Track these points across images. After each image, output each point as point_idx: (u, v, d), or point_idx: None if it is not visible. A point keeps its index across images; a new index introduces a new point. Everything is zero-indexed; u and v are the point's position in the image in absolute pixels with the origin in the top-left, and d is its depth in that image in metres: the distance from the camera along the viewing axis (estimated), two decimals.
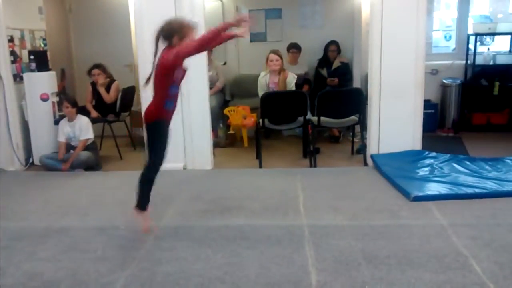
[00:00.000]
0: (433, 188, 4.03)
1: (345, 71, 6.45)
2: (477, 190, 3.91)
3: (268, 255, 2.95)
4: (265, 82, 5.44)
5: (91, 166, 5.22)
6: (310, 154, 5.18)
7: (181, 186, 4.49)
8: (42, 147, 5.38)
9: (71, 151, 5.16)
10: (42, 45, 5.97)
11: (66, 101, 5.21)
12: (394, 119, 4.84)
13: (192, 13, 4.83)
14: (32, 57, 5.48)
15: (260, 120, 5.18)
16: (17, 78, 5.41)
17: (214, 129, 5.81)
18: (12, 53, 5.35)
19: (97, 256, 3.04)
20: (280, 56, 5.43)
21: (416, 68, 4.80)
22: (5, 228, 3.56)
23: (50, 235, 3.39)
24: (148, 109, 3.31)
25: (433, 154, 4.81)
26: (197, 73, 4.89)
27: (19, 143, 5.40)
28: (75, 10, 7.02)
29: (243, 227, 3.41)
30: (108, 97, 5.86)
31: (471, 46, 6.49)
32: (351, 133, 5.69)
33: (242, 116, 5.90)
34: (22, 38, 5.57)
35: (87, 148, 5.20)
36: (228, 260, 2.91)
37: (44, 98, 5.37)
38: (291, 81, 5.42)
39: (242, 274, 2.73)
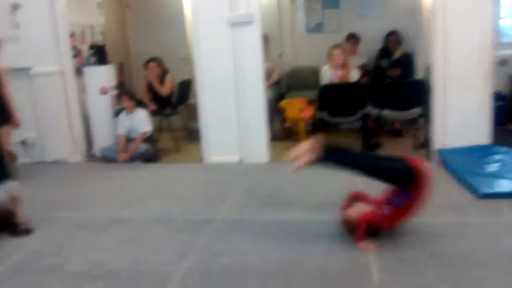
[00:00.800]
0: (504, 185, 3.77)
1: (407, 61, 6.18)
2: None
3: (327, 250, 2.87)
4: (328, 76, 5.29)
5: (149, 158, 5.31)
6: (370, 148, 5.00)
7: (237, 179, 4.46)
8: (102, 139, 5.52)
9: (130, 143, 5.26)
10: (101, 39, 6.12)
11: (125, 94, 5.33)
12: (460, 112, 4.59)
13: (247, 4, 4.79)
14: (92, 51, 5.63)
15: (318, 113, 5.05)
16: (78, 72, 5.57)
17: (270, 122, 5.74)
18: (73, 48, 5.51)
19: (156, 246, 3.06)
20: (344, 50, 5.27)
21: (483, 57, 4.53)
22: (70, 217, 3.67)
23: (110, 225, 3.46)
24: None
25: (504, 148, 4.51)
26: (253, 65, 4.85)
27: (80, 135, 5.57)
28: (132, 5, 7.18)
29: (300, 222, 3.35)
30: (163, 90, 5.93)
31: None
32: (414, 127, 5.44)
33: (298, 108, 5.79)
34: (82, 33, 5.73)
35: (145, 140, 5.29)
36: (286, 254, 2.85)
37: (104, 92, 5.50)
38: (355, 75, 5.25)
39: (300, 268, 2.68)
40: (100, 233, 3.32)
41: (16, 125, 4.50)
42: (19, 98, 4.93)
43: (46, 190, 4.39)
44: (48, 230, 3.41)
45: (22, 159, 5.50)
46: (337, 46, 5.28)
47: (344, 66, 5.23)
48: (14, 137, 4.74)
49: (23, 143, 5.49)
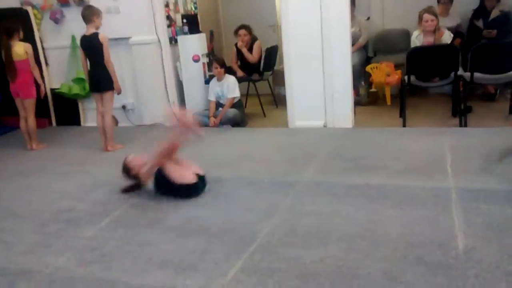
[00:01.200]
0: None
1: (505, 21, 5.75)
2: None
3: (411, 216, 2.89)
4: (419, 42, 5.09)
5: (238, 122, 5.55)
6: (461, 112, 4.82)
7: (322, 143, 4.55)
8: (194, 104, 5.83)
9: (220, 109, 5.52)
10: (193, 8, 6.37)
11: (215, 61, 5.55)
12: None
13: None
14: (184, 20, 5.89)
15: (406, 77, 4.94)
16: (172, 41, 5.89)
17: (356, 87, 5.70)
18: (168, 17, 5.82)
19: (245, 206, 3.27)
20: (436, 15, 5.01)
21: None
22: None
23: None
24: None
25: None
26: (339, 29, 4.83)
27: (174, 100, 5.93)
28: None
29: (385, 187, 3.37)
30: (251, 57, 6.09)
31: None
32: (509, 91, 5.13)
33: (385, 73, 5.68)
34: (176, 3, 6.00)
35: (234, 106, 5.52)
36: (369, 218, 2.92)
37: (196, 59, 5.78)
38: (447, 39, 5.00)
39: (383, 232, 2.73)
40: None
41: (118, 91, 4.92)
42: (120, 66, 5.37)
43: (143, 152, 4.78)
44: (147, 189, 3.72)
45: (123, 122, 6.00)
46: (428, 10, 5.00)
47: (435, 31, 5.00)
48: (115, 102, 5.16)
49: (123, 108, 5.99)
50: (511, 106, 5.01)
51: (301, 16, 4.95)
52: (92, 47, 4.75)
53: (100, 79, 4.80)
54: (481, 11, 5.92)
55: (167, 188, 3.48)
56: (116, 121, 5.95)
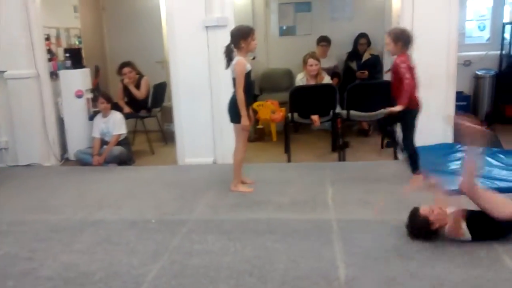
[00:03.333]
0: None
1: (375, 63, 6.38)
2: (511, 184, 3.82)
3: (296, 249, 2.98)
4: (302, 84, 5.42)
5: (124, 160, 5.36)
6: (339, 148, 5.16)
7: (211, 180, 4.55)
8: (77, 142, 5.55)
9: (105, 146, 5.30)
10: (77, 42, 6.14)
11: (101, 97, 5.36)
12: (425, 112, 4.70)
13: (222, 8, 4.88)
14: (67, 54, 5.65)
15: (289, 114, 5.19)
16: (53, 75, 5.59)
17: None
18: (49, 51, 5.53)
19: (130, 248, 3.13)
20: (318, 60, 5.42)
21: (448, 59, 4.72)
22: (44, 220, 3.71)
23: (85, 227, 3.52)
24: None
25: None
26: (224, 69, 4.93)
27: (54, 138, 5.58)
28: (108, 8, 7.19)
29: (271, 221, 3.45)
30: (139, 93, 5.98)
31: (507, 35, 6.30)
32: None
33: (270, 110, 5.91)
34: (58, 37, 5.75)
35: (120, 143, 5.34)
36: (257, 253, 2.95)
37: (79, 95, 5.53)
38: (325, 80, 5.40)
39: (271, 267, 2.77)
40: (74, 236, 3.37)
41: None
42: None
43: (19, 194, 4.43)
44: (21, 234, 3.45)
45: None
46: (312, 55, 5.39)
47: (317, 75, 5.38)
48: None
49: None
50: (382, 141, 5.49)
51: (189, 53, 5.00)
52: None
53: None
54: (354, 54, 6.48)
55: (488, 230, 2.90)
56: None
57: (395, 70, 3.99)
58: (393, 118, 4.15)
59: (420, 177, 4.02)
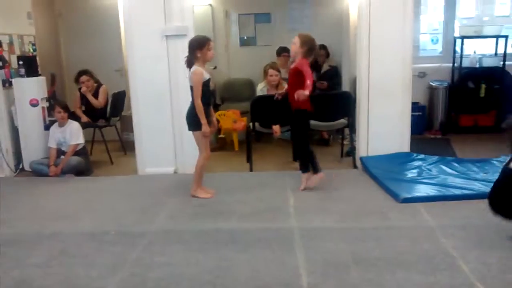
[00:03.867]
0: (422, 190, 4.08)
1: (334, 74, 6.51)
2: (465, 192, 3.97)
3: (258, 258, 2.98)
4: (263, 94, 5.47)
5: (82, 171, 5.22)
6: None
7: (172, 190, 4.50)
8: (32, 152, 5.37)
9: (62, 157, 5.15)
10: (31, 50, 5.95)
11: (57, 105, 5.22)
12: (383, 122, 4.89)
13: (182, 18, 4.86)
14: (21, 62, 5.45)
15: (251, 124, 5.21)
16: (6, 83, 5.39)
17: None
18: (1, 58, 5.34)
19: (88, 261, 3.04)
20: (279, 70, 5.52)
21: (404, 71, 4.86)
22: None
23: (40, 241, 3.40)
24: None
25: (421, 156, 4.86)
26: (187, 75, 4.91)
27: (8, 148, 5.38)
28: (65, 14, 7.03)
29: (233, 231, 3.44)
30: (97, 102, 5.86)
31: (458, 49, 6.58)
32: (340, 136, 5.74)
33: (232, 120, 5.92)
34: (10, 43, 5.55)
35: (77, 153, 5.20)
36: (219, 264, 2.93)
37: (34, 104, 5.36)
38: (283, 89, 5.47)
39: (233, 277, 2.76)
40: (28, 250, 3.25)
41: None
42: None
43: None
44: None
45: None
46: (272, 66, 5.51)
47: (278, 85, 5.45)
48: None
49: None
50: (342, 150, 5.59)
51: (148, 61, 4.93)
52: None
53: None
54: (314, 65, 6.54)
55: None
56: None
57: (294, 72, 4.09)
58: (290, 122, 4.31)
59: (312, 176, 4.25)
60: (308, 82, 3.91)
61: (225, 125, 5.98)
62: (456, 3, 7.01)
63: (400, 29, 4.77)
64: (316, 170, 4.27)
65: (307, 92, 3.90)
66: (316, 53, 4.16)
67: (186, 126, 4.20)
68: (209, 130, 4.07)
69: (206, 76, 4.00)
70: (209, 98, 4.15)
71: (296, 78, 4.06)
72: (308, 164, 4.30)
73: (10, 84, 5.40)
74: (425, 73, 6.80)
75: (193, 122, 4.06)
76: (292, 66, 4.17)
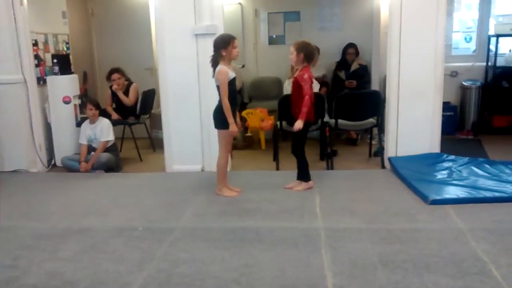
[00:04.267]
0: (452, 192, 4.00)
1: (363, 73, 6.44)
2: (496, 194, 3.87)
3: (284, 258, 2.97)
4: (290, 90, 5.42)
5: (112, 167, 5.32)
6: (327, 156, 5.18)
7: (199, 188, 4.54)
8: (64, 148, 5.50)
9: (92, 153, 5.26)
10: (65, 48, 6.11)
11: (89, 103, 5.33)
12: (412, 122, 4.81)
13: (212, 16, 4.89)
14: (55, 60, 5.60)
15: (278, 123, 5.20)
16: (41, 81, 5.55)
17: None
18: (36, 56, 5.49)
19: (116, 256, 3.10)
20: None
21: (435, 70, 4.76)
22: (28, 227, 3.66)
23: (71, 235, 3.48)
24: None
25: (452, 157, 4.76)
26: (212, 77, 4.94)
27: (41, 144, 5.53)
28: (97, 14, 7.17)
29: (259, 229, 3.44)
30: (127, 100, 5.96)
31: (492, 47, 6.40)
32: (369, 136, 5.67)
33: (259, 118, 5.93)
34: (46, 42, 5.71)
35: (107, 150, 5.30)
36: (245, 262, 2.94)
37: (67, 101, 5.49)
38: (315, 89, 5.40)
39: (258, 276, 2.76)
40: (59, 244, 3.33)
41: None
42: None
43: (4, 200, 4.34)
44: (5, 241, 3.40)
45: None
46: None
47: None
48: None
49: None
50: (370, 150, 5.52)
51: (178, 60, 4.99)
52: None
53: None
54: (343, 64, 6.53)
55: None
56: None
57: (296, 84, 4.06)
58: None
59: (302, 184, 4.30)
60: (304, 109, 4.00)
61: (253, 123, 5.99)
62: (492, 0, 6.82)
63: (432, 27, 4.68)
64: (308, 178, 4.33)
65: (301, 125, 4.04)
66: (315, 55, 4.13)
67: (213, 125, 4.23)
68: (236, 130, 4.08)
69: (232, 75, 4.01)
70: (235, 97, 4.16)
71: (297, 90, 4.05)
72: (308, 173, 4.32)
73: (45, 81, 5.55)
74: (457, 72, 6.65)
75: (220, 121, 4.08)
76: (294, 76, 4.12)
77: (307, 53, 4.05)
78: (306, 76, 4.01)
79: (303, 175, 4.33)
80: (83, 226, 3.62)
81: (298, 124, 4.06)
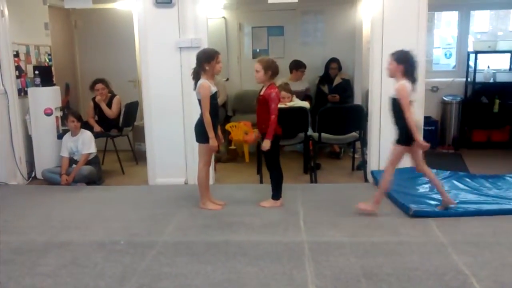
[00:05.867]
0: (433, 205, 4.03)
1: (346, 87, 6.51)
2: (477, 207, 3.92)
3: (267, 272, 2.96)
4: None
5: (93, 180, 5.25)
6: (311, 170, 5.21)
7: (182, 201, 4.50)
8: (44, 161, 5.42)
9: (74, 166, 5.19)
10: (47, 60, 6.05)
11: (71, 115, 5.27)
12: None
13: (196, 30, 4.91)
14: (37, 72, 5.54)
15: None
16: (22, 92, 5.48)
17: None
18: (17, 68, 5.43)
19: (97, 271, 3.04)
20: (290, 92, 5.48)
21: (416, 85, 4.82)
22: (6, 242, 3.58)
23: (50, 249, 3.41)
24: None
25: (433, 170, 4.80)
26: (193, 90, 4.94)
27: (22, 157, 5.44)
28: (81, 25, 7.13)
29: (243, 243, 3.42)
30: (110, 112, 5.91)
31: (472, 63, 6.54)
32: (352, 149, 5.71)
33: (243, 131, 5.93)
34: (27, 53, 5.65)
35: (89, 162, 5.24)
36: (228, 277, 2.91)
37: (48, 113, 5.43)
38: (298, 102, 5.49)
39: None
40: (38, 258, 3.26)
41: None
42: None
43: None
44: None
45: None
46: (285, 88, 5.38)
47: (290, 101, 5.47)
48: None
49: None
50: (353, 163, 5.56)
51: (162, 73, 4.98)
52: None
53: None
54: (326, 78, 6.59)
55: None
56: None
57: (263, 101, 4.08)
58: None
59: (270, 201, 4.28)
60: (270, 129, 4.03)
61: (236, 136, 5.99)
62: (470, 18, 6.99)
63: (413, 43, 4.73)
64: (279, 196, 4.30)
65: (268, 145, 4.06)
66: (277, 72, 4.13)
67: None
68: (216, 144, 4.09)
69: (213, 89, 4.02)
70: (216, 111, 4.17)
71: (264, 107, 4.07)
72: (280, 190, 4.28)
73: (26, 93, 5.48)
74: (438, 88, 6.77)
75: (201, 134, 4.10)
76: (261, 93, 4.13)
77: (274, 71, 4.08)
78: (274, 94, 4.02)
79: (275, 189, 4.28)
80: (63, 240, 3.55)
81: (266, 145, 4.07)
